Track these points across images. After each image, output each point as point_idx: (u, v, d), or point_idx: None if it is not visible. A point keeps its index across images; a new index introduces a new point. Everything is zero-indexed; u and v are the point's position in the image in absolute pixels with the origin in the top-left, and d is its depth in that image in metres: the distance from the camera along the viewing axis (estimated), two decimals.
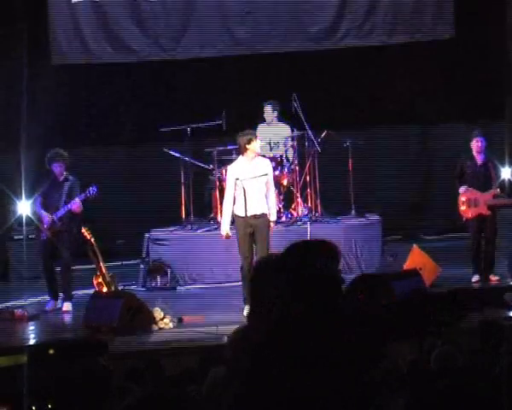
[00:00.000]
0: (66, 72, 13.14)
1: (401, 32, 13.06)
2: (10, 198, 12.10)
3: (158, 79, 13.21)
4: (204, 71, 13.05)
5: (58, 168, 10.48)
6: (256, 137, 9.75)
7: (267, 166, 9.80)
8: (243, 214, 9.53)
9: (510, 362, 4.84)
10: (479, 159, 10.46)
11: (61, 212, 10.37)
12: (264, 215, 9.63)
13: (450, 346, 5.46)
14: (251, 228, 9.53)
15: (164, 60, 13.22)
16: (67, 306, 10.44)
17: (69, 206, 10.34)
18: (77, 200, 10.31)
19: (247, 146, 9.58)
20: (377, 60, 13.23)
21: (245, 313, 9.57)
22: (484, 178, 10.46)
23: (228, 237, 9.75)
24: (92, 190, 10.33)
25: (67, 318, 10.30)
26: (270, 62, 12.98)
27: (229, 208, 9.68)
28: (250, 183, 9.53)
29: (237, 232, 9.59)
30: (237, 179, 9.57)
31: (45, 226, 10.44)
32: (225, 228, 9.73)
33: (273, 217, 9.85)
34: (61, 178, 10.51)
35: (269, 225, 9.69)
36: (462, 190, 10.42)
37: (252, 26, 13.08)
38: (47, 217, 10.41)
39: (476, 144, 10.44)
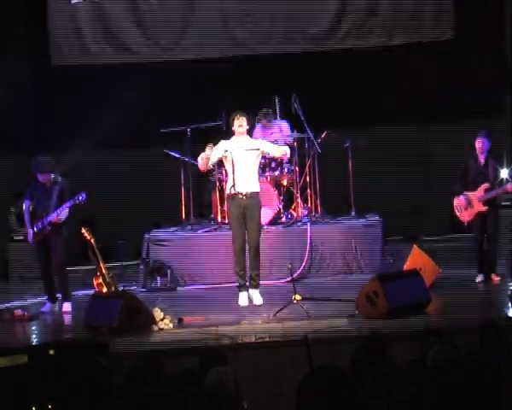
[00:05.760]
0: (67, 72, 13.13)
1: (401, 32, 13.05)
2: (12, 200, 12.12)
3: (158, 80, 13.20)
4: (204, 71, 13.03)
5: (42, 178, 10.33)
6: (237, 115, 9.78)
7: (260, 142, 9.96)
8: (233, 191, 9.52)
9: (510, 362, 4.84)
10: (481, 159, 10.49)
11: (52, 216, 10.23)
12: (255, 195, 9.62)
13: (447, 345, 5.45)
14: (242, 209, 9.52)
15: (164, 60, 13.21)
16: (67, 306, 10.43)
17: (58, 212, 10.20)
18: (67, 205, 10.18)
19: (232, 127, 9.78)
20: (377, 60, 13.22)
21: (240, 302, 9.66)
22: (487, 178, 10.48)
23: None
24: (81, 197, 10.10)
25: (67, 318, 10.30)
26: (270, 62, 12.97)
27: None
28: (239, 155, 9.60)
29: (229, 214, 9.56)
30: (226, 151, 9.60)
31: (34, 233, 10.37)
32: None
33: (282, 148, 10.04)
34: (49, 184, 10.37)
35: (260, 207, 9.70)
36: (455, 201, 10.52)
37: (252, 27, 13.07)
38: (31, 231, 10.32)
39: (478, 145, 10.48)
